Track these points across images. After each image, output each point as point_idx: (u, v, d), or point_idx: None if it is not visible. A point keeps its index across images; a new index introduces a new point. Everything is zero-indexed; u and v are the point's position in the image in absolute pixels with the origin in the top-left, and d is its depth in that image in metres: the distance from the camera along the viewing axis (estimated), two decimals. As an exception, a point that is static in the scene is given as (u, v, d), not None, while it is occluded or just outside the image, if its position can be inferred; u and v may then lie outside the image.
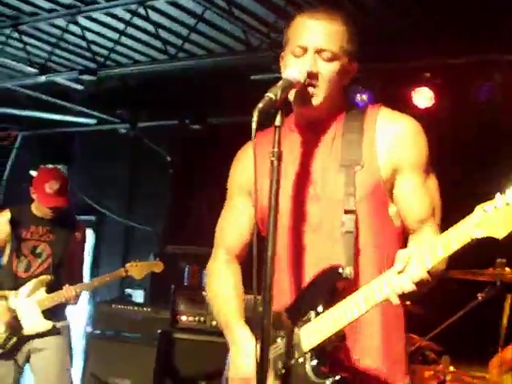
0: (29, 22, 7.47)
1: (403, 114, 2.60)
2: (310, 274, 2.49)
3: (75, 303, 5.56)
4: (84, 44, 7.77)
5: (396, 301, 2.21)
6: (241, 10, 6.78)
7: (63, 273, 5.60)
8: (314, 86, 2.48)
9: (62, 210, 5.58)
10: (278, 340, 2.47)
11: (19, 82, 8.49)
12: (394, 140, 2.50)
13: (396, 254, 2.25)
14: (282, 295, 2.53)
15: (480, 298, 5.01)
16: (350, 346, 2.44)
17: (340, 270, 2.38)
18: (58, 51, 8.09)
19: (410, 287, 2.17)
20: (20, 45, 7.89)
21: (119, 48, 7.90)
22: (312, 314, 2.39)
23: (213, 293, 2.78)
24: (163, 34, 7.40)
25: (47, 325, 5.38)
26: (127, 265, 5.63)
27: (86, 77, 7.61)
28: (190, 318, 6.53)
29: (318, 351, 2.35)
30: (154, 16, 7.06)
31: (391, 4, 6.41)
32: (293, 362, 2.39)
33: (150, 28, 7.34)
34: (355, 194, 2.45)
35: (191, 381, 6.29)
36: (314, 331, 2.37)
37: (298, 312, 2.45)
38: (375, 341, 2.49)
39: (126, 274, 5.60)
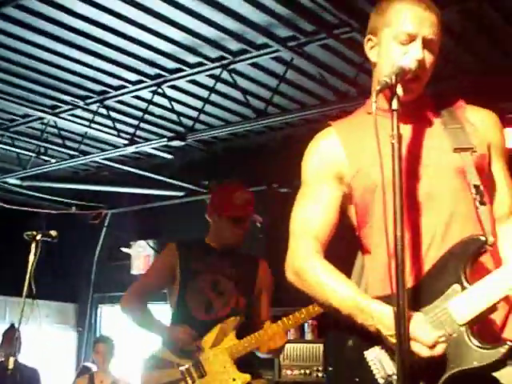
0: (115, 96, 7.68)
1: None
2: (430, 254, 2.36)
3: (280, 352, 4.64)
4: (170, 114, 7.94)
5: None
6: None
7: (253, 312, 4.62)
8: (419, 76, 2.42)
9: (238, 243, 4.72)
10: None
11: (108, 155, 8.64)
12: (485, 125, 2.55)
13: None
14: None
15: None
16: (501, 322, 2.33)
17: (483, 238, 2.27)
18: (144, 125, 8.28)
19: None
20: (108, 121, 8.11)
21: (203, 117, 8.03)
22: (457, 286, 2.25)
23: (317, 283, 2.43)
24: (249, 98, 7.46)
25: (245, 378, 4.30)
26: None
27: (175, 143, 7.69)
28: (296, 372, 6.38)
29: (474, 324, 2.22)
30: (238, 80, 7.14)
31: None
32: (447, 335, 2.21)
33: (235, 93, 7.45)
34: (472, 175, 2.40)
35: None
36: (464, 305, 2.22)
37: (435, 287, 2.29)
38: None
39: None
